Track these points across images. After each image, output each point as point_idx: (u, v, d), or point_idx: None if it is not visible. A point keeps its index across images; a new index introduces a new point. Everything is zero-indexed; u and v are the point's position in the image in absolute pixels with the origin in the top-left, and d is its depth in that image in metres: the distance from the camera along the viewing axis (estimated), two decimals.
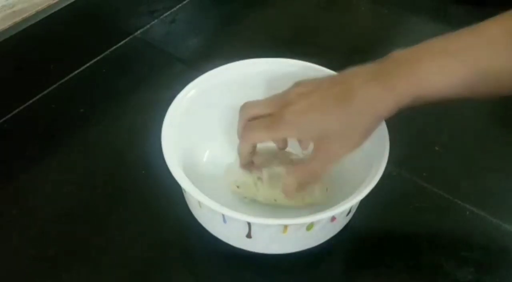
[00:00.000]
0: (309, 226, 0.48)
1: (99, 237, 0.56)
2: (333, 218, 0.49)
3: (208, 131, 0.59)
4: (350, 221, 0.55)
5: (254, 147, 0.50)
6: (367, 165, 0.51)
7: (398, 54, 0.44)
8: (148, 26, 0.81)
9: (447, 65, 0.41)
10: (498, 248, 0.56)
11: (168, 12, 0.83)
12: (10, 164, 0.63)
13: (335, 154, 0.45)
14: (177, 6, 0.84)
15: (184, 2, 0.85)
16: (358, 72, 0.45)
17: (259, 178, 0.52)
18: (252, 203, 0.55)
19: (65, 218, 0.58)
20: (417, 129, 0.66)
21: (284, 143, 0.53)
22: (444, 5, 0.83)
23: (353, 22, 0.81)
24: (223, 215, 0.47)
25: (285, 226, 0.46)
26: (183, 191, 0.53)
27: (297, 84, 0.48)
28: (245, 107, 0.49)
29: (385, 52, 0.45)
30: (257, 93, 0.57)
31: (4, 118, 0.67)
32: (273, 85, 0.58)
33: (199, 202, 0.48)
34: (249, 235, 0.48)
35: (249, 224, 0.47)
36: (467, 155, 0.65)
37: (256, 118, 0.48)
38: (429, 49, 0.43)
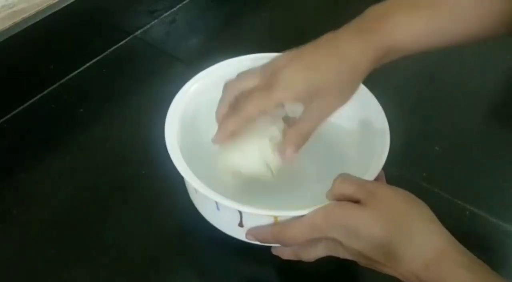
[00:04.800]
0: None
1: (99, 237, 0.56)
2: None
3: (211, 124, 0.59)
4: None
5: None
6: (366, 163, 0.51)
7: (373, 10, 0.49)
8: (148, 26, 0.81)
9: (413, 17, 0.47)
10: (498, 248, 0.56)
11: (168, 12, 0.83)
12: (10, 164, 0.63)
13: (326, 109, 0.49)
14: (177, 6, 0.84)
15: (184, 2, 0.85)
16: (341, 33, 0.49)
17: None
18: (252, 195, 0.55)
19: (65, 218, 0.58)
20: (417, 130, 0.66)
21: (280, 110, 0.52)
22: None
23: None
24: (216, 202, 0.48)
25: (276, 217, 0.47)
26: (185, 183, 0.53)
27: (281, 55, 0.50)
28: (231, 83, 0.49)
29: None
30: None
31: (4, 118, 0.67)
32: None
33: (195, 189, 0.49)
34: (241, 224, 0.49)
35: (240, 212, 0.48)
36: (467, 154, 0.65)
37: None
38: (398, 4, 0.48)
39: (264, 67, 0.49)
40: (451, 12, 0.48)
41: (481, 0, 0.48)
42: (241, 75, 0.50)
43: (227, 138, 0.49)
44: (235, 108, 0.48)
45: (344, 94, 0.48)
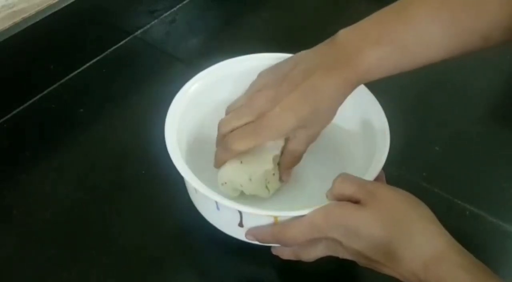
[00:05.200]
0: None
1: (99, 237, 0.56)
2: None
3: (211, 124, 0.59)
4: None
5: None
6: (366, 163, 0.51)
7: (343, 40, 0.50)
8: (148, 26, 0.81)
9: (382, 53, 0.49)
10: (498, 248, 0.56)
11: (168, 12, 0.83)
12: (10, 164, 0.63)
13: (312, 135, 0.52)
14: (177, 6, 0.84)
15: (184, 2, 0.85)
16: (312, 68, 0.50)
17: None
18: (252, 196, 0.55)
19: (65, 218, 0.58)
20: (417, 130, 0.66)
21: None
22: None
23: (353, 22, 0.81)
24: (216, 202, 0.48)
25: (275, 218, 0.47)
26: (185, 183, 0.53)
27: (262, 89, 0.53)
28: (222, 125, 0.53)
29: None
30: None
31: (4, 118, 0.67)
32: None
33: (195, 189, 0.49)
34: (241, 224, 0.49)
35: (240, 212, 0.48)
36: (467, 154, 0.65)
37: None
38: (367, 36, 0.50)
39: (247, 106, 0.52)
40: (421, 41, 0.49)
41: (441, 31, 0.49)
42: (230, 117, 0.53)
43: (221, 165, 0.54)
44: (225, 143, 0.52)
45: (325, 122, 0.52)
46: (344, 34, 0.51)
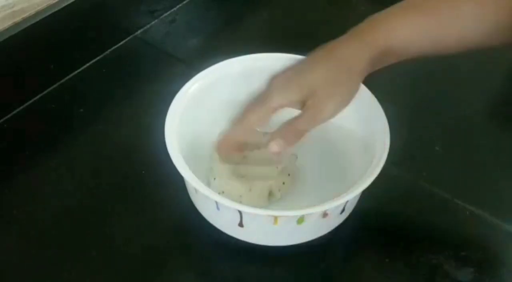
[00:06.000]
0: (300, 220, 0.49)
1: (99, 237, 0.56)
2: (325, 214, 0.50)
3: (211, 124, 0.60)
4: (348, 220, 0.55)
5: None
6: (366, 163, 0.51)
7: (371, 17, 0.50)
8: (148, 26, 0.81)
9: (410, 17, 0.47)
10: (498, 248, 0.56)
11: (168, 12, 0.83)
12: (10, 164, 0.63)
13: (323, 111, 0.47)
14: (177, 6, 0.84)
15: (184, 2, 0.85)
16: (337, 39, 0.50)
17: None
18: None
19: (65, 218, 0.58)
20: (417, 129, 0.66)
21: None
22: None
23: (353, 22, 0.81)
24: (216, 202, 0.48)
25: (275, 217, 0.47)
26: (185, 183, 0.53)
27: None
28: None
29: None
30: (260, 88, 0.58)
31: (4, 118, 0.67)
32: None
33: (195, 189, 0.49)
34: (241, 224, 0.49)
35: (240, 212, 0.48)
36: (467, 154, 0.65)
37: None
38: (398, 8, 0.48)
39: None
40: (448, 20, 0.49)
41: (478, 11, 0.48)
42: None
43: (230, 146, 0.52)
44: (240, 120, 0.50)
45: (341, 94, 0.48)
46: (372, 15, 0.50)
